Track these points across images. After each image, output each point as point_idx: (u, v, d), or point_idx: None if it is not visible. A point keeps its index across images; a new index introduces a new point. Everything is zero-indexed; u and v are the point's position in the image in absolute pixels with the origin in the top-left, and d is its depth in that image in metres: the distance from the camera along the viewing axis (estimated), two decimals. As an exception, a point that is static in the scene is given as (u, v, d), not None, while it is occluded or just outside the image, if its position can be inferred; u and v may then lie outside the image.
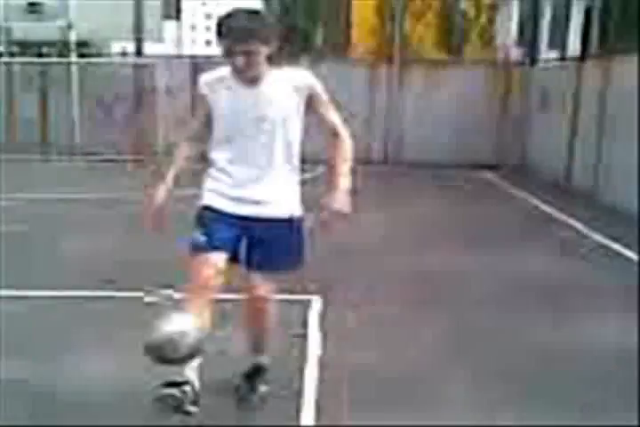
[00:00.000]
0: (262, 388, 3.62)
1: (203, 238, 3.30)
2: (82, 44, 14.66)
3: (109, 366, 3.94)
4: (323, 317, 4.85)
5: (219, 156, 3.35)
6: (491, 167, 13.40)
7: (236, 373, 3.67)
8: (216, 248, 3.29)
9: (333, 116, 3.37)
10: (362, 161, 13.23)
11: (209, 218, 3.34)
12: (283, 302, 5.07)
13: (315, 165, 12.04)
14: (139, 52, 14.41)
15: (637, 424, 3.45)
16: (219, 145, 3.35)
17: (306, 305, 5.06)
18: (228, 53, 3.12)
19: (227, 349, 4.06)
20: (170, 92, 13.47)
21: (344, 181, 3.32)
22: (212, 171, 3.39)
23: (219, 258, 3.28)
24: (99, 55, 15.59)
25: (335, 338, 4.44)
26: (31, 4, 11.82)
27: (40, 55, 14.92)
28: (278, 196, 3.35)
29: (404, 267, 6.28)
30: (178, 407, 3.17)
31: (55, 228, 7.67)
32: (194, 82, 14.53)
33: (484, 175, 12.76)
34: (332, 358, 4.13)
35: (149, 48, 14.93)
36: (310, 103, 3.29)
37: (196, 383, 3.24)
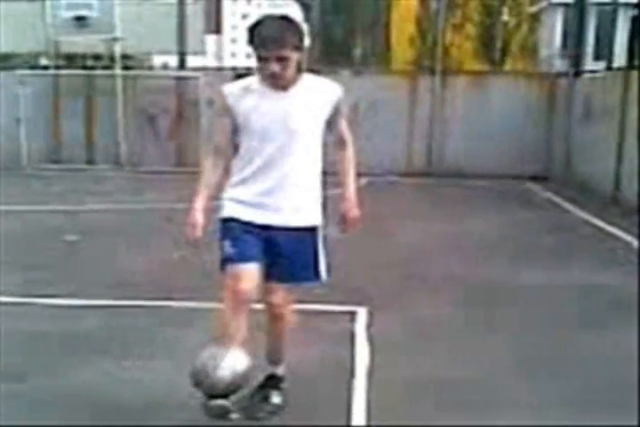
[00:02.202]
0: (276, 399, 3.54)
1: (232, 250, 3.25)
2: (126, 57, 14.84)
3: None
4: (369, 328, 4.80)
5: (242, 164, 3.32)
6: (535, 178, 13.25)
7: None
8: (248, 259, 3.24)
9: (343, 124, 3.45)
10: (404, 173, 13.40)
11: (235, 228, 3.29)
12: (328, 314, 5.10)
13: (358, 177, 12.09)
14: (182, 65, 14.56)
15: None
16: (243, 154, 3.31)
17: (352, 317, 5.02)
18: (261, 60, 3.14)
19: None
20: (211, 105, 13.55)
21: (350, 189, 3.48)
22: (234, 179, 3.35)
23: (253, 270, 3.25)
24: (142, 68, 15.78)
25: (382, 350, 4.39)
26: (78, 19, 12.00)
27: (85, 68, 15.14)
28: (299, 204, 3.32)
29: (452, 280, 6.20)
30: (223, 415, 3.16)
31: (109, 238, 7.74)
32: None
33: (528, 186, 12.62)
34: (379, 369, 4.08)
35: (191, 61, 15.07)
36: (332, 113, 3.33)
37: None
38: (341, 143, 3.49)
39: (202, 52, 15.42)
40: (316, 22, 17.88)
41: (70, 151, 14.17)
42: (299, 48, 3.15)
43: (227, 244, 3.27)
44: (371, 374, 4.00)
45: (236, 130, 3.32)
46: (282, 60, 3.11)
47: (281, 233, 3.31)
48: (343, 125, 3.45)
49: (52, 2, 12.36)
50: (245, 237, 3.27)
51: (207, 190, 3.34)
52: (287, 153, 3.25)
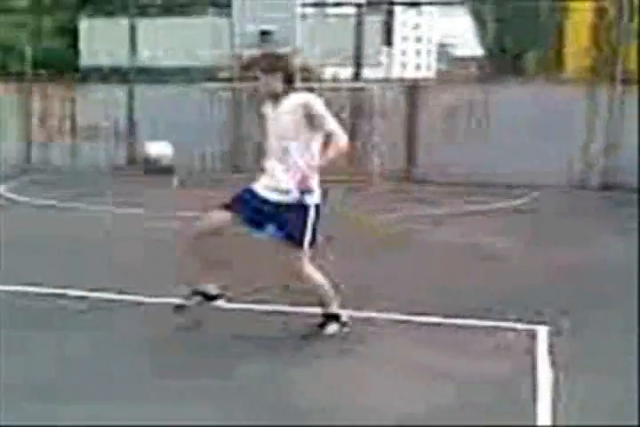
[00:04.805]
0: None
1: (230, 200, 4.62)
2: (303, 69, 15.28)
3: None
4: (551, 348, 4.74)
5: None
6: None
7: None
8: (229, 208, 4.57)
9: (329, 125, 4.52)
10: (578, 186, 12.92)
11: (245, 193, 4.62)
12: (508, 331, 5.06)
13: (529, 189, 11.81)
14: (356, 77, 14.86)
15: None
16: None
17: (532, 335, 4.97)
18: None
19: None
20: (384, 116, 13.76)
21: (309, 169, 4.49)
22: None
23: (223, 215, 4.57)
24: (317, 81, 16.22)
25: (565, 369, 4.33)
26: (264, 33, 12.47)
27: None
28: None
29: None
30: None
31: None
32: (407, 105, 14.46)
33: None
34: (563, 388, 4.02)
35: (365, 73, 15.34)
36: (311, 118, 4.47)
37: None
38: (327, 137, 4.56)
39: (378, 64, 15.67)
40: (489, 31, 17.68)
41: (250, 159, 14.79)
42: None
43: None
44: (555, 401, 3.90)
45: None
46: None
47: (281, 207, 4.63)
48: (328, 125, 4.51)
49: (239, 17, 12.89)
50: (244, 199, 4.66)
51: None
52: (273, 151, 4.69)
